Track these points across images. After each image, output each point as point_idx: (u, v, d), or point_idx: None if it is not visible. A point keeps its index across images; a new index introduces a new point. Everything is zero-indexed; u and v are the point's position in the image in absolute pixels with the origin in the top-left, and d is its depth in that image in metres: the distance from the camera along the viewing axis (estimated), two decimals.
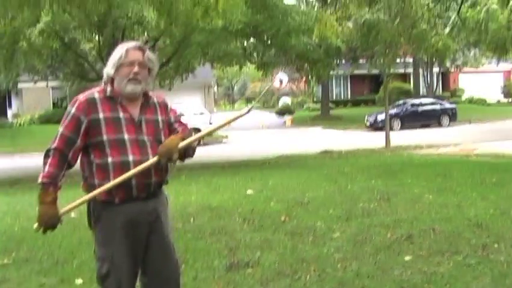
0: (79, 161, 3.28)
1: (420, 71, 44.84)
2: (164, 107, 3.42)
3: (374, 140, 22.60)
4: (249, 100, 64.43)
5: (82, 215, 4.11)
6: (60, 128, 3.21)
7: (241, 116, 3.37)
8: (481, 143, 19.71)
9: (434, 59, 38.02)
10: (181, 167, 12.05)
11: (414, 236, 6.05)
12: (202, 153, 18.94)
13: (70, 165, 3.24)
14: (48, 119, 35.35)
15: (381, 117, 28.12)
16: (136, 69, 3.22)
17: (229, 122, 3.40)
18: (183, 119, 3.51)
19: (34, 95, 38.84)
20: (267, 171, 13.74)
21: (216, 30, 15.98)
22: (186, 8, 14.00)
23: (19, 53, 16.23)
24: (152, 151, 3.22)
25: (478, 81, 50.32)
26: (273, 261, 5.37)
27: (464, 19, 14.21)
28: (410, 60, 40.80)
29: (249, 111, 3.28)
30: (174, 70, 20.11)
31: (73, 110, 3.20)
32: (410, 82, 46.55)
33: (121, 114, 3.22)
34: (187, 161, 3.42)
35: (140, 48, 3.30)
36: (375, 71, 36.15)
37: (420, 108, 32.72)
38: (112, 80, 3.27)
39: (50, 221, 3.18)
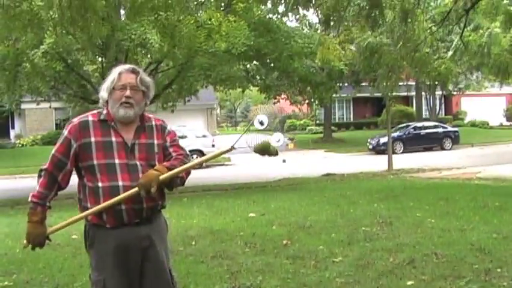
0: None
1: (423, 94, 44.88)
2: (162, 130, 3.34)
3: (377, 163, 22.62)
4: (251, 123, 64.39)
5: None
6: (53, 150, 3.22)
7: (223, 153, 3.33)
8: (483, 166, 19.71)
9: (436, 82, 38.05)
10: (183, 190, 12.05)
11: (417, 260, 6.02)
12: (205, 176, 19.09)
13: (60, 187, 3.24)
14: (51, 140, 35.21)
15: (383, 140, 28.16)
16: (127, 93, 3.17)
17: (210, 158, 3.45)
18: (182, 143, 3.44)
19: (37, 116, 38.96)
20: (269, 194, 13.74)
21: (219, 53, 16.05)
22: (189, 31, 14.16)
23: (22, 74, 16.29)
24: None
25: (481, 104, 50.30)
26: (274, 286, 5.34)
27: (466, 43, 14.25)
28: (413, 83, 40.84)
29: (232, 148, 3.20)
30: (177, 92, 20.12)
31: (66, 133, 3.19)
32: (412, 105, 46.54)
33: (113, 139, 3.18)
34: (189, 183, 3.39)
35: (134, 71, 3.25)
36: (377, 94, 36.18)
37: (423, 131, 32.78)
38: (107, 103, 3.25)
39: (36, 239, 3.20)
